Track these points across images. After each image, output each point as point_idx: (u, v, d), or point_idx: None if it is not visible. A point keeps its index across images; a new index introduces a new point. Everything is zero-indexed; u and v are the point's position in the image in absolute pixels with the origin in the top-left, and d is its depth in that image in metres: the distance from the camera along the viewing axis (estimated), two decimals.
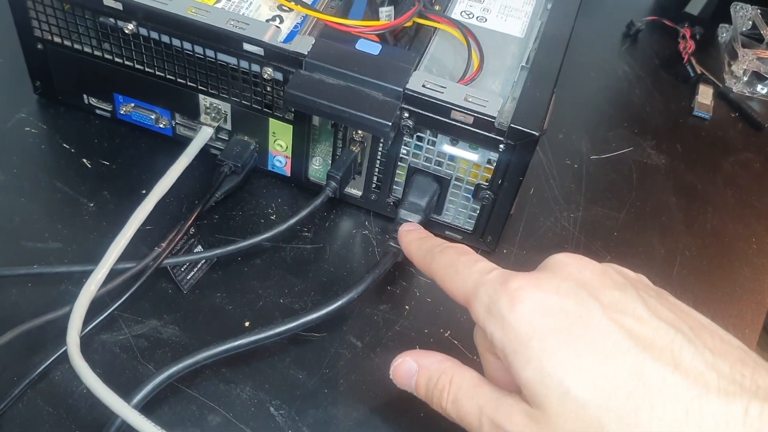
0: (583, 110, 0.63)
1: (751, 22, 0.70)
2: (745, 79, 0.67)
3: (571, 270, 0.33)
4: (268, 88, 0.47)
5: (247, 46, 0.45)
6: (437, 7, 0.52)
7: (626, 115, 0.63)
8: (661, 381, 0.28)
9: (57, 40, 0.50)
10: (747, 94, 0.66)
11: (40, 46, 0.51)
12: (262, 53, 0.45)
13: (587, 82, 0.65)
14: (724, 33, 0.72)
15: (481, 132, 0.43)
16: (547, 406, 0.30)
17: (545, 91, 0.45)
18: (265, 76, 0.46)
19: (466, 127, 0.44)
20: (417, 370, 0.37)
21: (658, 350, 0.29)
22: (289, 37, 0.46)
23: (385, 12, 0.55)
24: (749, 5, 0.71)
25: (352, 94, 0.44)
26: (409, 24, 0.49)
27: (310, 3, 0.49)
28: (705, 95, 0.65)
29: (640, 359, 0.29)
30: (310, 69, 0.45)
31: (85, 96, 0.53)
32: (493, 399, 0.33)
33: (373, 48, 0.46)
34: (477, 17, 0.52)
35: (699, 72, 0.67)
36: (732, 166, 0.60)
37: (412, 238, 0.42)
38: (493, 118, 0.43)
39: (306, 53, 0.44)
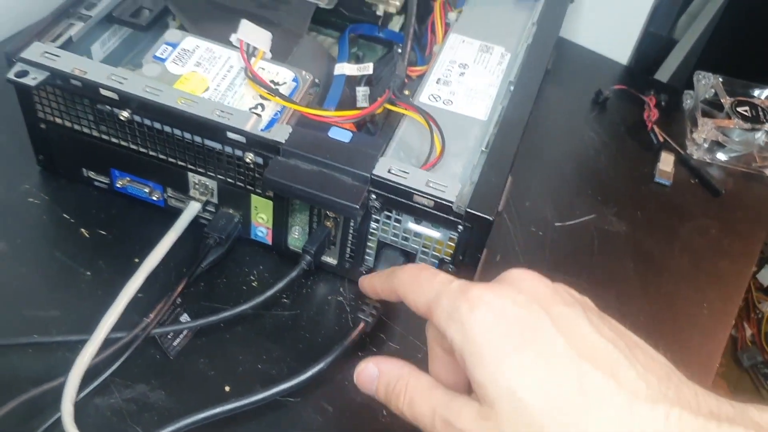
0: (549, 177, 0.67)
1: (713, 90, 0.75)
2: (706, 146, 0.71)
3: (526, 284, 0.37)
4: (250, 170, 0.51)
5: (230, 134, 0.49)
6: (407, 92, 0.56)
7: (591, 182, 0.67)
8: (598, 387, 0.32)
9: (59, 121, 0.54)
10: (707, 161, 0.71)
11: (43, 126, 0.55)
12: (244, 141, 0.49)
13: (555, 149, 0.70)
14: (688, 100, 0.76)
15: (441, 214, 0.48)
16: (496, 405, 0.33)
17: (501, 176, 0.49)
18: (247, 160, 0.50)
19: (427, 209, 0.48)
20: (377, 375, 0.40)
21: (598, 361, 0.33)
22: (270, 124, 0.51)
23: (362, 91, 0.60)
24: (711, 74, 0.75)
25: (324, 179, 0.48)
26: (379, 111, 0.53)
27: (290, 90, 0.54)
28: (666, 162, 0.69)
29: (581, 368, 0.33)
30: (287, 156, 0.49)
31: (84, 170, 0.58)
32: (445, 400, 0.37)
33: (345, 136, 0.50)
34: (444, 100, 0.56)
35: (661, 140, 0.71)
36: (689, 232, 0.64)
37: (372, 275, 0.45)
38: (452, 202, 0.47)
39: (283, 141, 0.49)
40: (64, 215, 0.57)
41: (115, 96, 0.50)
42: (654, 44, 0.79)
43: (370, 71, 0.58)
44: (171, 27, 0.62)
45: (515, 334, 0.34)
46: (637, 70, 0.80)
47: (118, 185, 0.57)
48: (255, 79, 0.52)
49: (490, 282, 0.38)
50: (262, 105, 0.52)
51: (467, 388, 0.38)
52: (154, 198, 0.57)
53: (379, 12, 0.64)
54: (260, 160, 0.50)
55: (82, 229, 0.56)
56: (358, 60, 0.70)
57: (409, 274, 0.41)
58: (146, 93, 0.50)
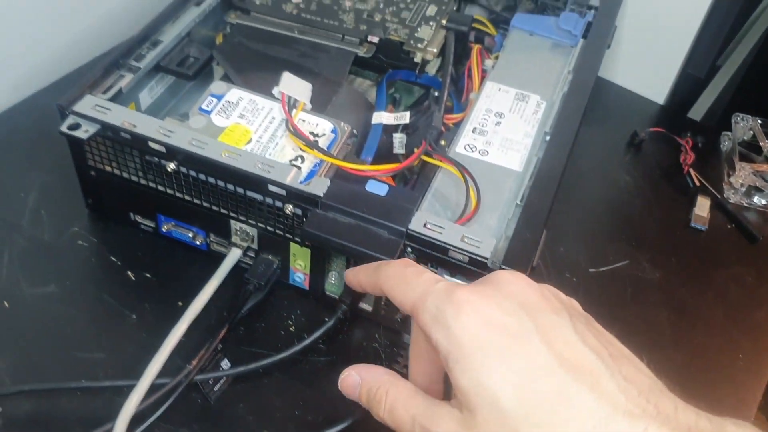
0: (584, 221, 0.67)
1: (751, 132, 0.75)
2: (743, 190, 0.71)
3: (513, 289, 0.37)
4: (289, 220, 0.53)
5: (271, 187, 0.51)
6: (443, 142, 0.57)
7: (625, 227, 0.67)
8: (578, 400, 0.33)
9: (108, 169, 0.57)
10: (744, 205, 0.70)
11: (92, 172, 0.58)
12: (284, 193, 0.51)
13: (589, 193, 0.70)
14: (725, 141, 0.76)
15: (476, 270, 0.49)
16: (476, 413, 0.34)
17: (535, 232, 0.50)
18: (287, 211, 0.52)
19: (462, 264, 0.49)
20: (360, 382, 0.41)
21: (580, 372, 0.33)
22: (309, 176, 0.53)
23: (398, 138, 0.61)
24: (750, 116, 0.75)
25: (361, 233, 0.50)
26: (415, 163, 0.55)
27: (329, 142, 0.55)
28: (702, 207, 0.69)
29: (563, 379, 0.33)
30: (325, 208, 0.51)
31: (131, 214, 0.60)
32: (425, 407, 0.37)
33: (381, 189, 0.52)
34: (479, 151, 0.57)
35: (697, 183, 0.71)
36: (724, 280, 0.64)
37: (357, 267, 0.45)
38: (486, 258, 0.48)
39: (321, 195, 0.50)
40: (112, 258, 0.59)
41: (162, 148, 0.52)
42: (691, 85, 0.79)
43: (407, 120, 0.60)
44: (216, 75, 0.65)
45: (500, 341, 0.34)
46: (673, 110, 0.80)
47: (164, 229, 0.59)
48: (295, 132, 0.54)
49: (476, 283, 0.38)
50: (302, 157, 0.54)
51: (446, 384, 0.38)
52: (198, 242, 0.59)
53: (417, 59, 0.65)
54: (299, 212, 0.52)
55: (129, 272, 0.58)
56: (395, 102, 0.71)
57: (395, 270, 0.40)
58: (192, 146, 0.52)
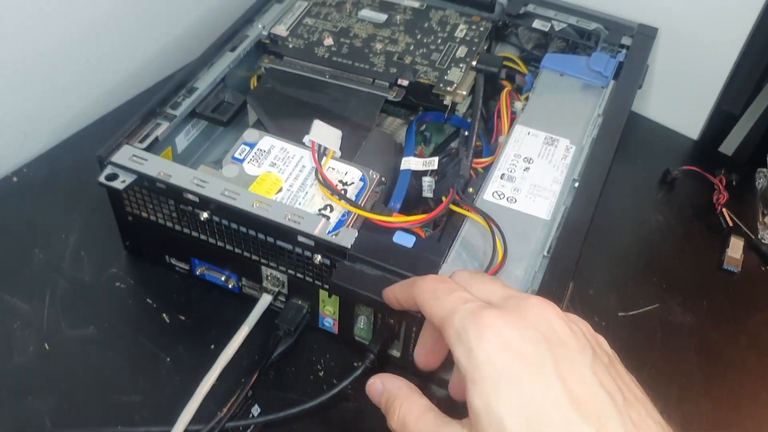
0: (613, 263, 0.67)
1: None
2: None
3: (540, 318, 0.37)
4: (318, 269, 0.54)
5: (300, 238, 0.52)
6: (471, 189, 0.58)
7: (656, 269, 0.67)
8: None
9: (144, 215, 0.58)
10: None
11: (130, 218, 0.60)
12: (313, 244, 0.52)
13: (620, 232, 0.70)
14: (761, 178, 0.75)
15: None
16: None
17: (562, 285, 0.50)
18: (316, 261, 0.53)
19: None
20: (382, 390, 0.43)
21: (589, 413, 0.34)
22: (338, 225, 0.54)
23: (427, 182, 0.62)
24: None
25: (388, 285, 0.50)
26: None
27: (357, 190, 0.56)
28: (735, 248, 0.68)
29: (571, 416, 0.34)
30: (353, 260, 0.52)
31: (166, 256, 0.62)
32: (434, 425, 0.39)
33: (408, 240, 0.52)
34: (507, 198, 0.58)
35: (731, 224, 0.70)
36: (757, 324, 0.63)
37: (394, 285, 0.48)
38: None
39: (349, 246, 0.51)
40: (148, 300, 0.61)
41: (196, 198, 0.54)
42: (725, 121, 0.78)
43: (435, 166, 0.61)
44: (251, 117, 0.66)
45: (515, 369, 0.35)
46: (706, 146, 0.79)
47: (197, 272, 0.61)
48: (324, 183, 0.55)
49: (505, 308, 0.38)
50: (331, 206, 0.55)
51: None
52: (230, 285, 0.60)
53: (446, 101, 0.66)
54: (328, 261, 0.53)
55: (164, 314, 0.60)
56: (425, 140, 0.72)
57: (428, 285, 0.42)
58: (224, 197, 0.53)
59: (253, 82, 0.70)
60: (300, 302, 0.58)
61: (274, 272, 0.57)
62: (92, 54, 0.72)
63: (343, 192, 0.56)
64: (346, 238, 0.52)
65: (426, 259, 0.51)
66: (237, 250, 0.57)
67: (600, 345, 0.39)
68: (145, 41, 0.77)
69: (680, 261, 0.68)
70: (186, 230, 0.58)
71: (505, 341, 0.36)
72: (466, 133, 0.69)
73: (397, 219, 0.53)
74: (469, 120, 0.69)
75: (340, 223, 0.54)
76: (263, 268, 0.57)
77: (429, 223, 0.55)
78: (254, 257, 0.56)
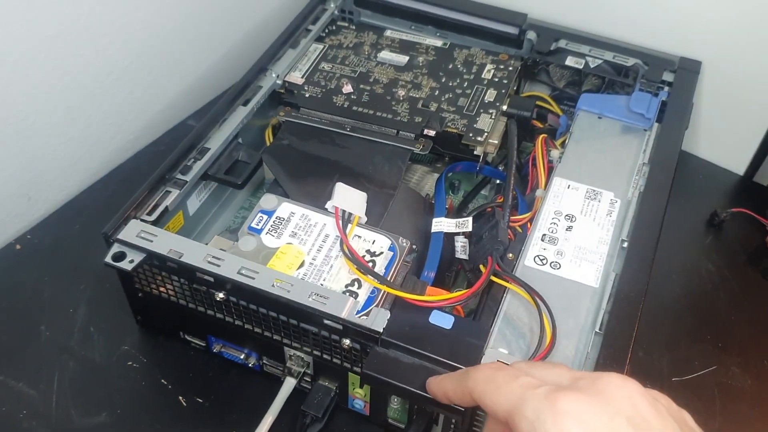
0: (664, 322, 0.62)
1: None
2: None
3: (622, 399, 0.33)
4: (347, 353, 0.49)
5: (327, 321, 0.48)
6: (510, 256, 0.53)
7: (710, 326, 0.62)
8: None
9: (155, 293, 0.54)
10: None
11: (140, 294, 0.55)
12: (341, 327, 0.47)
13: (669, 287, 0.65)
14: None
15: None
16: None
17: (618, 367, 0.45)
18: (344, 345, 0.48)
19: None
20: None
21: None
22: (367, 304, 0.49)
23: (461, 243, 0.57)
24: None
25: (426, 375, 0.45)
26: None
27: (387, 261, 0.51)
28: None
29: None
30: (386, 345, 0.47)
31: (181, 332, 0.57)
32: None
33: (446, 321, 0.48)
34: (551, 263, 0.53)
35: None
36: None
37: (442, 376, 0.43)
38: None
39: (381, 330, 0.47)
40: (162, 381, 0.56)
41: (210, 279, 0.49)
42: None
43: (469, 228, 0.56)
44: (267, 172, 0.62)
45: None
46: (755, 183, 0.74)
47: (214, 349, 0.56)
48: (351, 256, 0.50)
49: (581, 388, 0.34)
50: (358, 281, 0.50)
51: None
52: (250, 364, 0.56)
53: (477, 152, 0.61)
54: (358, 346, 0.48)
55: (180, 397, 0.55)
56: (453, 188, 0.67)
57: (486, 375, 0.38)
58: (241, 277, 0.49)
59: (269, 135, 0.65)
60: (327, 383, 0.53)
61: (299, 353, 0.52)
62: (96, 110, 0.68)
63: (371, 264, 0.51)
64: (378, 321, 0.47)
65: (467, 343, 0.46)
66: (257, 330, 0.52)
67: (685, 421, 0.36)
68: (152, 94, 0.73)
69: (736, 315, 0.63)
70: (200, 308, 0.53)
71: (588, 430, 0.32)
72: (498, 182, 0.65)
73: (432, 298, 0.48)
74: (501, 169, 0.65)
75: (369, 301, 0.49)
76: (286, 348, 0.52)
77: (469, 299, 0.50)
78: (276, 337, 0.52)
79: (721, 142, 0.74)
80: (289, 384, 0.53)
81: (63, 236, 0.66)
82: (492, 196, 0.67)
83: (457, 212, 0.65)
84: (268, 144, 0.64)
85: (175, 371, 0.57)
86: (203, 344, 0.57)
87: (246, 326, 0.52)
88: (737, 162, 0.74)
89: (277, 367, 0.55)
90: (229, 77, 0.67)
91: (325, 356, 0.51)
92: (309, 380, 0.54)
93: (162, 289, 0.53)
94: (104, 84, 0.67)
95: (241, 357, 0.56)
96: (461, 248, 0.57)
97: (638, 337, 0.59)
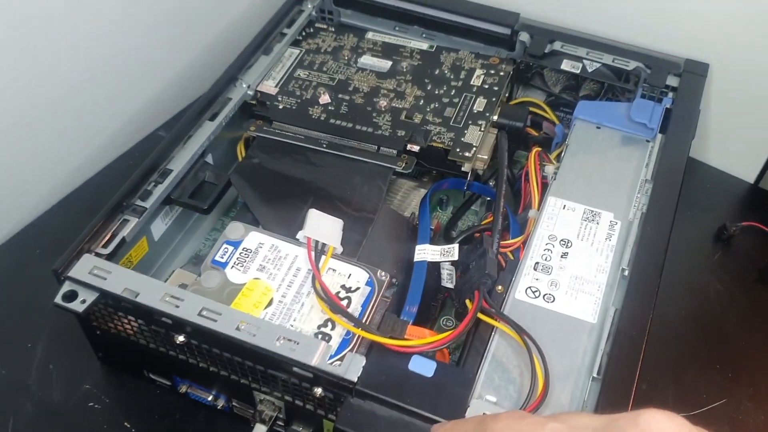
0: (669, 348, 0.57)
1: None
2: None
3: None
4: (320, 401, 0.45)
5: (296, 368, 0.43)
6: (500, 288, 0.48)
7: (719, 353, 0.57)
8: None
9: (113, 331, 0.49)
10: None
11: (98, 332, 0.51)
12: (311, 376, 0.43)
13: (675, 309, 0.60)
14: None
15: None
16: None
17: None
18: (316, 393, 0.44)
19: None
20: None
21: None
22: (341, 347, 0.44)
23: (447, 270, 0.53)
24: None
25: (405, 429, 0.41)
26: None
27: (364, 298, 0.47)
28: None
29: None
30: (361, 396, 0.42)
31: (144, 371, 0.53)
32: None
33: (427, 368, 0.43)
34: (544, 295, 0.48)
35: None
36: None
37: (450, 424, 0.38)
38: None
39: (355, 380, 0.42)
40: (126, 424, 0.52)
41: (168, 321, 0.45)
42: None
43: (455, 256, 0.51)
44: (239, 200, 0.57)
45: None
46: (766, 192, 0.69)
47: (181, 390, 0.52)
48: (323, 295, 0.46)
49: (622, 429, 0.31)
50: (332, 322, 0.46)
51: None
52: (219, 405, 0.51)
53: (465, 168, 0.56)
54: (331, 395, 0.44)
55: None
56: (441, 203, 0.62)
57: (508, 425, 0.33)
58: (202, 319, 0.44)
59: (241, 149, 0.60)
60: (301, 429, 0.49)
61: (269, 397, 0.48)
62: (58, 124, 0.63)
63: (346, 302, 0.47)
64: (352, 368, 0.43)
65: (451, 393, 0.42)
66: (223, 373, 0.48)
67: None
68: (119, 105, 0.68)
69: (747, 340, 0.58)
70: (162, 349, 0.49)
71: None
72: (489, 198, 0.60)
73: (412, 343, 0.44)
74: (492, 184, 0.60)
75: (344, 344, 0.45)
76: (255, 392, 0.48)
77: (453, 342, 0.45)
78: (244, 381, 0.47)
79: (730, 148, 0.68)
80: (259, 430, 0.49)
81: (22, 263, 0.61)
82: (483, 212, 0.62)
83: (445, 231, 0.60)
84: (240, 159, 0.60)
85: (140, 413, 0.53)
86: (168, 383, 0.53)
87: (211, 369, 0.48)
88: (748, 169, 0.69)
89: (247, 410, 0.51)
90: (202, 83, 0.62)
91: (297, 402, 0.47)
92: (282, 425, 0.50)
93: (120, 328, 0.49)
94: (67, 96, 0.62)
95: (209, 398, 0.51)
96: (447, 276, 0.53)
97: (641, 367, 0.55)
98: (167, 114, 0.72)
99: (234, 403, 0.51)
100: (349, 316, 0.45)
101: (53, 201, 0.65)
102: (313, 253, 0.48)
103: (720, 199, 0.68)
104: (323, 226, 0.49)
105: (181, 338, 0.45)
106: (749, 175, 0.69)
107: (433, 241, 0.58)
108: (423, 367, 0.43)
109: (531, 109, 0.64)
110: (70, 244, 0.48)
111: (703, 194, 0.69)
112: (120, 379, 0.54)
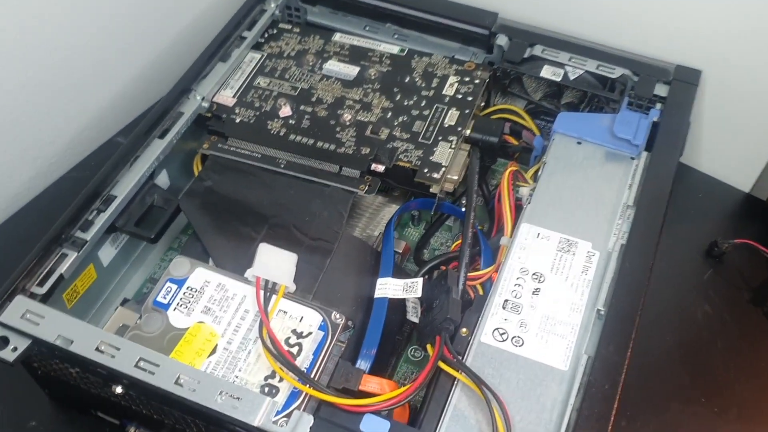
0: (651, 379, 0.54)
1: None
2: None
3: None
4: None
5: (238, 429, 0.40)
6: (464, 331, 0.45)
7: (705, 384, 0.54)
8: None
9: (53, 375, 0.46)
10: None
11: (40, 372, 0.47)
12: None
13: (659, 334, 0.56)
14: None
15: None
16: None
17: None
18: None
19: None
20: None
21: None
22: (288, 403, 0.41)
23: (411, 304, 0.49)
24: None
25: None
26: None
27: (316, 344, 0.43)
28: None
29: None
30: None
31: (92, 410, 0.50)
32: None
33: (380, 429, 0.40)
34: (512, 338, 0.44)
35: None
36: None
37: None
38: None
39: None
40: None
41: (103, 372, 0.42)
42: None
43: (419, 293, 0.47)
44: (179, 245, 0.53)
45: None
46: (760, 202, 0.64)
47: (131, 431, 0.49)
48: (270, 346, 0.42)
49: None
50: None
51: None
52: None
53: (434, 190, 0.52)
54: None
55: None
56: (413, 219, 0.59)
57: None
58: (139, 372, 0.41)
59: (197, 164, 0.56)
60: None
61: None
62: (6, 134, 0.59)
63: (296, 349, 0.43)
64: (299, 430, 0.39)
65: None
66: (168, 422, 0.45)
67: None
68: (73, 111, 0.63)
69: (736, 370, 0.54)
70: (104, 394, 0.45)
71: None
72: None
73: (365, 402, 0.40)
74: (463, 207, 0.56)
75: (292, 398, 0.41)
76: None
77: (410, 399, 0.41)
78: (189, 431, 0.44)
79: (724, 156, 0.64)
80: None
81: None
82: (457, 229, 0.58)
83: (415, 252, 0.56)
84: (196, 175, 0.56)
85: None
86: (118, 422, 0.50)
87: (155, 417, 0.45)
88: (742, 177, 0.64)
89: None
90: (161, 87, 0.58)
91: None
92: None
93: (59, 372, 0.46)
94: (16, 103, 0.58)
95: None
96: (412, 309, 0.49)
97: (620, 397, 0.52)
98: (126, 119, 0.68)
99: None
100: (298, 372, 0.41)
101: (2, 217, 0.62)
102: (262, 295, 0.44)
103: (712, 208, 0.64)
104: (275, 262, 0.46)
105: (119, 389, 0.42)
106: (744, 184, 0.64)
107: (402, 264, 0.55)
108: (375, 429, 0.40)
109: (509, 117, 0.59)
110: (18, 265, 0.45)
111: (695, 203, 0.64)
112: (69, 417, 0.51)
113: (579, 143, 0.54)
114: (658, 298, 0.58)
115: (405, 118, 0.55)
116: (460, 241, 0.52)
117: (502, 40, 0.59)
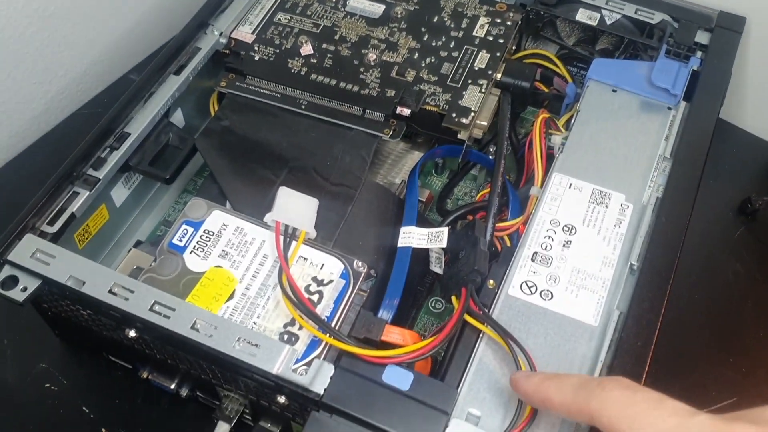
0: (677, 339, 0.52)
1: None
2: None
3: None
4: (285, 407, 0.40)
5: (256, 375, 0.39)
6: (491, 283, 0.43)
7: (732, 346, 0.52)
8: None
9: (64, 315, 0.45)
10: None
11: (50, 313, 0.46)
12: (274, 384, 0.38)
13: (687, 293, 0.54)
14: None
15: None
16: None
17: None
18: (280, 401, 0.39)
19: None
20: None
21: None
22: (309, 351, 0.40)
23: (435, 254, 0.47)
24: None
25: None
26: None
27: (337, 293, 0.42)
28: None
29: None
30: (328, 410, 0.38)
31: (104, 353, 0.49)
32: None
33: (403, 380, 0.38)
34: (541, 292, 0.43)
35: None
36: None
37: (539, 376, 0.36)
38: None
39: (321, 393, 0.37)
40: (84, 408, 0.48)
41: (117, 314, 0.40)
42: None
43: (444, 243, 0.45)
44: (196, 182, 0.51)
45: None
46: None
47: (142, 375, 0.48)
48: (290, 293, 0.40)
49: (754, 420, 0.30)
50: None
51: None
52: (183, 394, 0.47)
53: (462, 136, 0.50)
54: (296, 404, 0.39)
55: (103, 429, 0.47)
56: (437, 168, 0.56)
57: (620, 396, 0.31)
58: (154, 315, 0.39)
59: (213, 104, 0.54)
60: (269, 425, 0.45)
61: (233, 394, 0.44)
62: (16, 67, 0.57)
63: (317, 297, 0.42)
64: (319, 379, 0.38)
65: (428, 409, 0.37)
66: (182, 367, 0.43)
67: None
68: (85, 44, 0.61)
69: (766, 331, 0.53)
70: (116, 337, 0.44)
71: None
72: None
73: (387, 353, 0.39)
74: (491, 151, 0.54)
75: (312, 346, 0.40)
76: (218, 388, 0.44)
77: (433, 352, 0.40)
78: (204, 377, 0.43)
79: (763, 109, 0.61)
80: (222, 429, 0.44)
81: None
82: (482, 178, 0.56)
83: (438, 202, 0.54)
84: (213, 114, 0.53)
85: (99, 397, 0.49)
86: (130, 366, 0.49)
87: (170, 362, 0.44)
88: None
89: (212, 402, 0.47)
90: (177, 21, 0.55)
91: (262, 402, 0.42)
92: (249, 418, 0.46)
93: (71, 313, 0.44)
94: (25, 35, 0.56)
95: (171, 387, 0.47)
96: (436, 260, 0.47)
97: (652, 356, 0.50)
98: (139, 56, 0.65)
99: (199, 393, 0.47)
100: (318, 320, 0.40)
101: (10, 156, 0.60)
102: (281, 240, 0.42)
103: (750, 167, 0.62)
104: (295, 207, 0.44)
105: (132, 333, 0.41)
106: None
107: (425, 214, 0.53)
108: (398, 380, 0.38)
109: (541, 62, 0.57)
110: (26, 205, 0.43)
111: (731, 161, 0.62)
112: (79, 359, 0.50)
113: (614, 91, 0.52)
114: (687, 256, 0.55)
115: (432, 60, 0.53)
116: (486, 190, 0.50)
117: None
